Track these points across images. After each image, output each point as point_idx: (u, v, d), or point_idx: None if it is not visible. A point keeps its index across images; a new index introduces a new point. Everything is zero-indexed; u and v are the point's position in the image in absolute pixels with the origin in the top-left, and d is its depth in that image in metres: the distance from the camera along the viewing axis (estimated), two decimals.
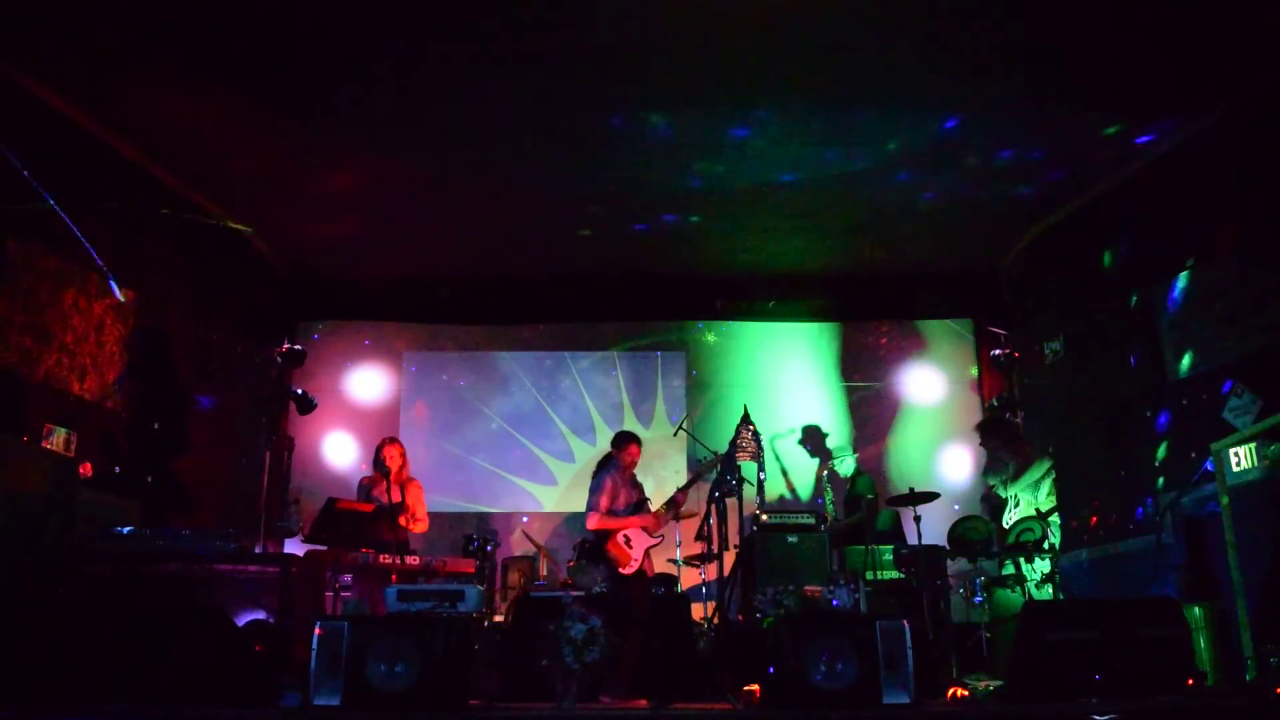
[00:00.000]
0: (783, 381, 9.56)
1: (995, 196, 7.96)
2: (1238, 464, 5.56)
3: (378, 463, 6.79)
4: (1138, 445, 7.27)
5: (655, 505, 7.54)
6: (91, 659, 4.30)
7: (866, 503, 7.62)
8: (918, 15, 5.63)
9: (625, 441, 7.56)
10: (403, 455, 6.99)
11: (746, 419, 7.74)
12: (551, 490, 9.36)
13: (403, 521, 6.68)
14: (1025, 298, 9.03)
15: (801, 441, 9.21)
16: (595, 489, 7.27)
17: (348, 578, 6.55)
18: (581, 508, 7.53)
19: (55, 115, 6.39)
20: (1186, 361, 6.82)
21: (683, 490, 7.61)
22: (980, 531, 7.03)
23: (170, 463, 7.34)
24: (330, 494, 6.78)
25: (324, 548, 6.06)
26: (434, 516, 9.16)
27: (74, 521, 5.31)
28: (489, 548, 7.45)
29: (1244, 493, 5.45)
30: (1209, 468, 5.79)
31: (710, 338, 9.80)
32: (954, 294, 9.68)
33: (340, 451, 9.35)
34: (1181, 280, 6.89)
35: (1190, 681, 4.60)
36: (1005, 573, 6.60)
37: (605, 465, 7.55)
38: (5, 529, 4.76)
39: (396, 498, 6.58)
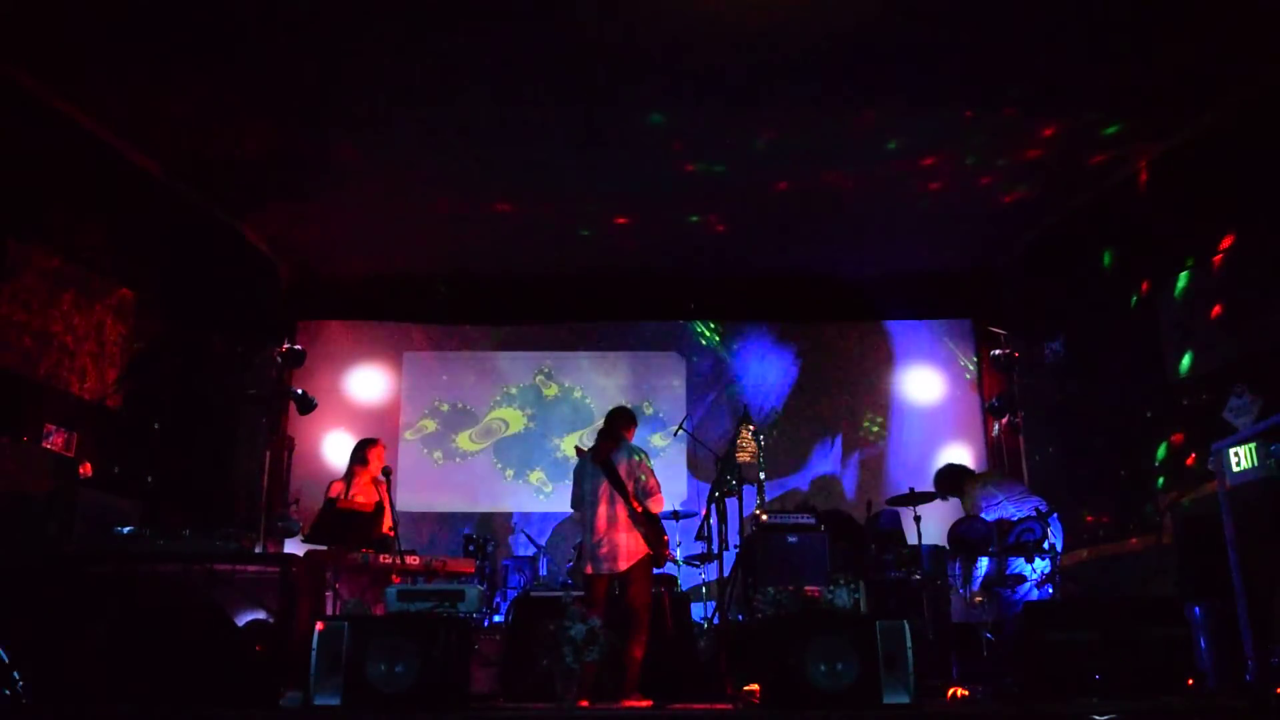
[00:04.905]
0: (782, 381, 9.56)
1: (994, 197, 7.96)
2: (1238, 464, 5.56)
3: (363, 462, 6.70)
4: (1138, 445, 7.28)
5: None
6: (92, 659, 4.30)
7: None
8: (918, 16, 5.64)
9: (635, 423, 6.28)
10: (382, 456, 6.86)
11: (747, 419, 7.74)
12: (551, 491, 9.35)
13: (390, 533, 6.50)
14: (1025, 298, 9.03)
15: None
16: (651, 470, 5.99)
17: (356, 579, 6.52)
18: None
19: (56, 115, 6.39)
20: (1186, 361, 6.82)
21: None
22: (980, 531, 7.01)
23: (170, 463, 7.33)
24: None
25: (324, 547, 6.05)
26: (434, 517, 9.22)
27: (74, 521, 5.31)
28: (489, 548, 7.44)
29: (1244, 493, 5.45)
30: (1209, 467, 5.80)
31: (710, 337, 9.80)
32: (954, 294, 9.68)
33: (340, 451, 9.33)
34: (1181, 280, 6.89)
35: (1190, 681, 4.60)
36: (1006, 573, 6.59)
37: (633, 447, 6.10)
38: (5, 529, 4.76)
39: (373, 498, 6.50)
